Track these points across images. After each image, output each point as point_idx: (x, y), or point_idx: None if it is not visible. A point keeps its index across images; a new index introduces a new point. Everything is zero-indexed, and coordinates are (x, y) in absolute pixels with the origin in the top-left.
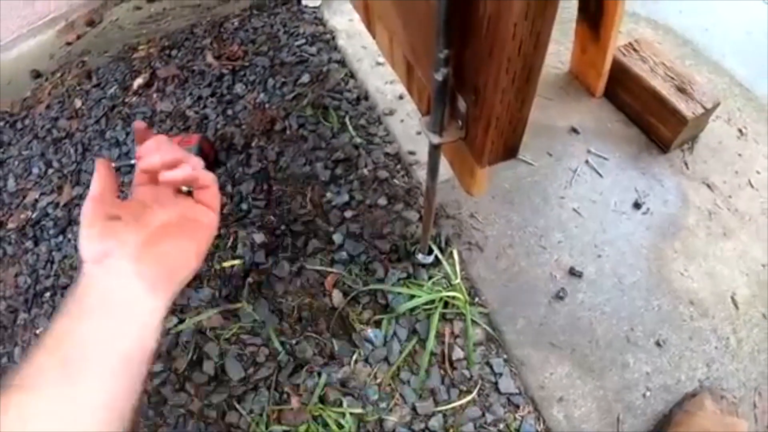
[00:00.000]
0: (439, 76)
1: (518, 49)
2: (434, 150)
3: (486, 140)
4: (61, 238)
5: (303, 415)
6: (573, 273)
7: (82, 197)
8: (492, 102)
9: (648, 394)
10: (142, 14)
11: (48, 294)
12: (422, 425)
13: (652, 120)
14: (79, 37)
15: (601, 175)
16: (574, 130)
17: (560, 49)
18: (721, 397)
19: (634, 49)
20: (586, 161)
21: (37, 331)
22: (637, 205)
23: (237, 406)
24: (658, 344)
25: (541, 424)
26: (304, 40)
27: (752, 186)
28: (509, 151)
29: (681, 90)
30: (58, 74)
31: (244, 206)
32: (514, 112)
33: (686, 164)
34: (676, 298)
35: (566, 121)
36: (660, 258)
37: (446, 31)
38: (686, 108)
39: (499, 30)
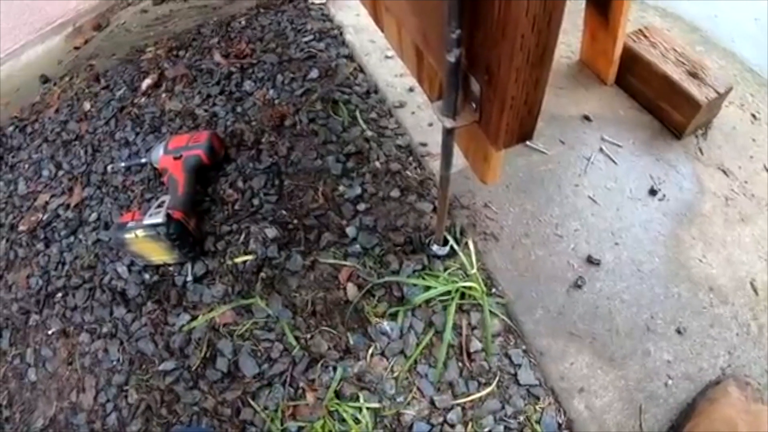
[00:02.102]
0: (451, 57)
1: (532, 25)
2: (448, 135)
3: (501, 121)
4: (72, 239)
5: (319, 410)
6: (591, 261)
7: (92, 198)
8: (506, 81)
9: (670, 382)
10: (148, 17)
11: (59, 295)
12: (441, 419)
13: (664, 106)
14: (86, 42)
15: (615, 163)
16: (587, 118)
17: (570, 39)
18: (745, 384)
19: (644, 36)
20: (600, 149)
21: (49, 332)
22: (652, 192)
23: (251, 402)
24: (678, 332)
25: (563, 416)
26: (311, 37)
27: None
28: (525, 132)
29: (693, 75)
30: (67, 78)
31: (256, 201)
32: (529, 92)
33: (701, 150)
34: (696, 285)
35: (579, 109)
36: (678, 245)
37: (458, 10)
38: (699, 93)
39: (513, 7)
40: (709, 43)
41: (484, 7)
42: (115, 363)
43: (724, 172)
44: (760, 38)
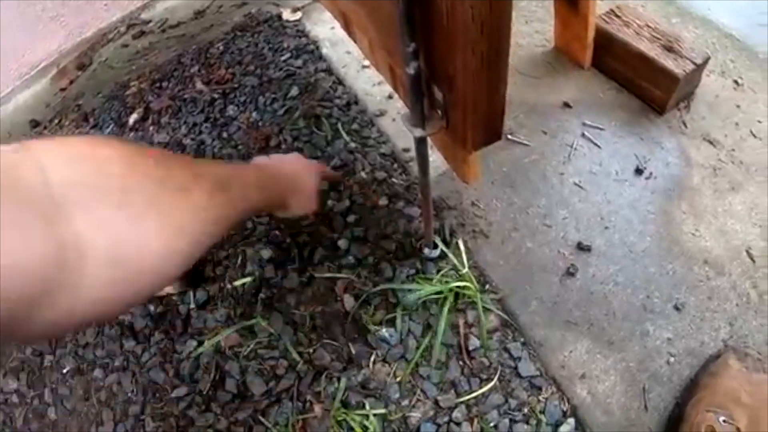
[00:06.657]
0: (410, 70)
1: (480, 29)
2: (420, 144)
3: (467, 126)
4: None
5: (327, 421)
6: (581, 248)
7: None
8: (465, 87)
9: (672, 360)
10: (129, 51)
11: (70, 333)
12: (446, 418)
13: (643, 84)
14: (71, 82)
15: (599, 146)
16: (567, 105)
17: (544, 27)
18: (745, 355)
19: (616, 15)
20: (582, 134)
21: (64, 371)
22: (639, 171)
23: (262, 419)
24: (676, 308)
25: (566, 404)
26: (289, 54)
27: (755, 136)
28: (492, 133)
29: (668, 49)
30: (56, 120)
31: (249, 224)
32: (490, 95)
33: (684, 123)
34: (690, 260)
35: (557, 96)
36: (669, 221)
37: (409, 25)
38: (676, 66)
39: (458, 15)
40: (686, 13)
41: (433, 18)
42: (129, 394)
43: (710, 143)
44: (737, 2)
